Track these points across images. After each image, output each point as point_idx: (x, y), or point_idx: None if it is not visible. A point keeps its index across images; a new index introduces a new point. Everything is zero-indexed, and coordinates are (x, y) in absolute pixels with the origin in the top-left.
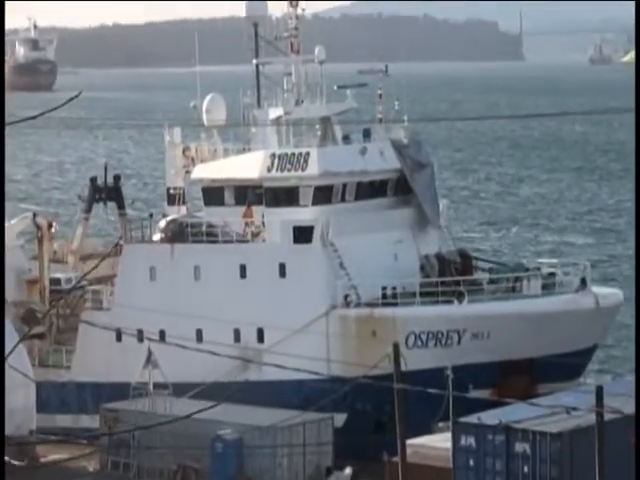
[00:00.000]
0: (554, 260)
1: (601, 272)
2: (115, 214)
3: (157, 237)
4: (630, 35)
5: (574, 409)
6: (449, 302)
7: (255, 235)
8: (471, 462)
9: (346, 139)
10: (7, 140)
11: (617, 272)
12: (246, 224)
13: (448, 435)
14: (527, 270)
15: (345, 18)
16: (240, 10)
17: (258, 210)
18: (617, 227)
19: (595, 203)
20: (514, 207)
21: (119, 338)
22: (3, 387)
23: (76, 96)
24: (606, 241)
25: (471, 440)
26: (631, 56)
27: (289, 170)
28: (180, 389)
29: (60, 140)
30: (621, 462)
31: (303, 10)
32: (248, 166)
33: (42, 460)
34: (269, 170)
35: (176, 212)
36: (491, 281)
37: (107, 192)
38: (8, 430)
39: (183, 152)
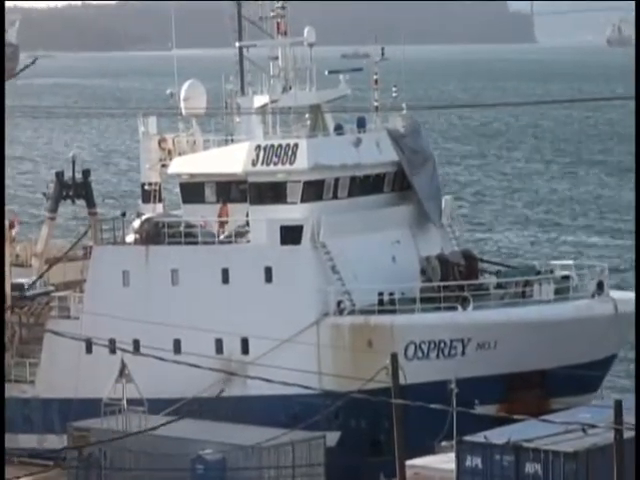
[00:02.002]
0: (568, 262)
1: (623, 276)
2: (84, 213)
3: (131, 238)
4: None
5: (591, 426)
6: (452, 309)
7: (240, 236)
8: None
9: (338, 129)
10: None
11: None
12: (220, 224)
13: (452, 455)
14: (538, 273)
15: None
16: None
17: (242, 208)
18: None
19: (616, 200)
20: (525, 204)
21: (89, 349)
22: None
23: (32, 63)
24: (628, 242)
25: (477, 461)
26: None
27: (276, 164)
28: (157, 405)
29: (25, 132)
30: None
31: None
32: (231, 159)
33: None
34: (254, 164)
35: (151, 210)
36: (498, 285)
37: (75, 188)
38: None
39: (159, 144)
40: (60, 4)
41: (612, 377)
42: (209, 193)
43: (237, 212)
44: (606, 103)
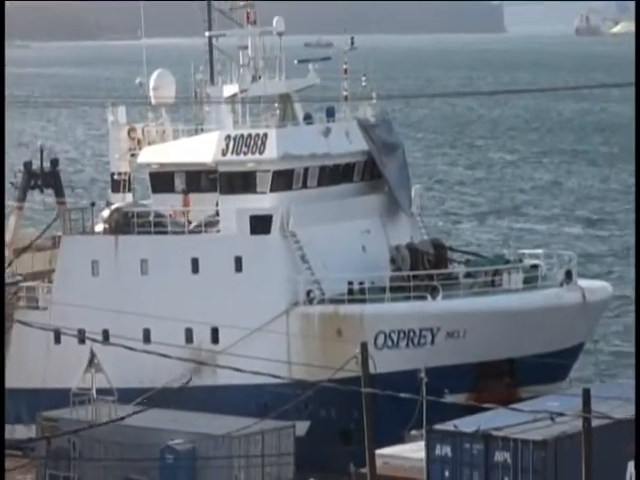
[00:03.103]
0: (537, 251)
1: (591, 265)
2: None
3: (100, 228)
4: (620, 4)
5: (559, 414)
6: (422, 298)
7: (210, 225)
8: (447, 473)
9: (308, 119)
10: None
11: (611, 265)
12: (183, 214)
13: (421, 444)
14: (507, 262)
15: None
16: None
17: (212, 198)
18: (610, 216)
19: (586, 190)
20: (495, 194)
21: (58, 339)
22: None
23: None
24: (597, 232)
25: (447, 449)
26: (621, 27)
27: (245, 153)
28: (126, 395)
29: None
30: (610, 472)
31: None
32: (200, 149)
33: None
34: (223, 153)
35: (121, 200)
36: (468, 274)
37: (43, 178)
38: None
39: (128, 133)
40: None
41: (580, 366)
42: (178, 183)
43: (207, 202)
44: (576, 92)
